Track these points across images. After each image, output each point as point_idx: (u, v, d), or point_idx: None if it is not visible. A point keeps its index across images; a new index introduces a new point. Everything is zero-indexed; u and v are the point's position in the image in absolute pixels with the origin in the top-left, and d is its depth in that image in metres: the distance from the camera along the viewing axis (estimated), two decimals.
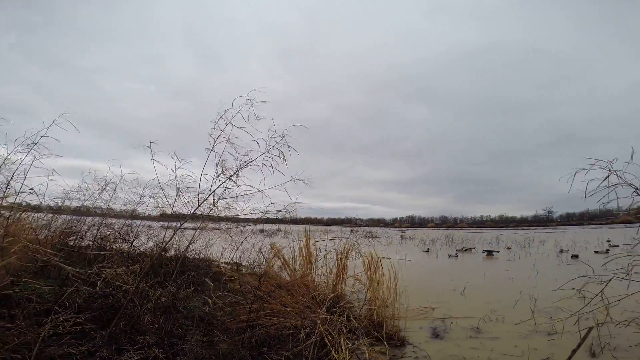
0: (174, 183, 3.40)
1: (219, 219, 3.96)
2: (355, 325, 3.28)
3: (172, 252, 5.44)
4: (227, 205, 3.55)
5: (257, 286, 3.62)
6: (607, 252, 12.47)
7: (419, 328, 4.38)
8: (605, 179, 2.58)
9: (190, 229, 3.53)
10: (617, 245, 15.74)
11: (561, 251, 14.27)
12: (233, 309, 3.70)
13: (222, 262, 6.89)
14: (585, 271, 3.12)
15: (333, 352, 2.76)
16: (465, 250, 16.34)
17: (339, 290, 5.01)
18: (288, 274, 5.53)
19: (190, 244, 4.87)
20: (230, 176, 3.33)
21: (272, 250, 5.95)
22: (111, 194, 5.28)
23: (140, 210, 5.53)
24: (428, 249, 17.26)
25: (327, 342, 2.89)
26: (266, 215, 3.67)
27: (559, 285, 3.27)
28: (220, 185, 3.34)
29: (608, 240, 19.37)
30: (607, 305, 2.60)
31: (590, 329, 2.45)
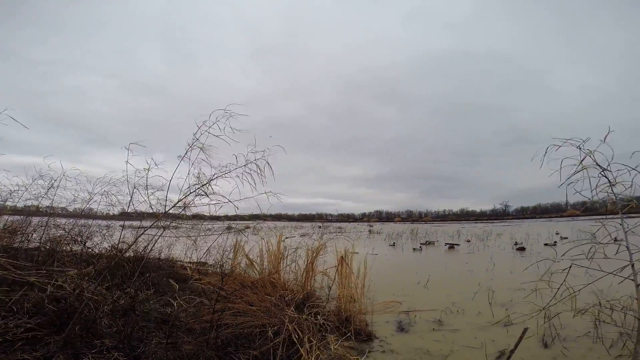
0: (141, 181, 3.20)
1: (185, 216, 3.80)
2: (323, 322, 3.29)
3: (130, 253, 5.11)
4: (194, 205, 3.42)
5: (220, 286, 3.50)
6: (555, 245, 13.64)
7: (385, 322, 4.49)
8: (579, 164, 2.62)
9: (152, 227, 3.32)
10: (567, 237, 17.19)
11: (516, 244, 15.41)
12: (197, 309, 3.57)
13: (186, 262, 6.61)
14: (537, 264, 3.37)
15: (302, 349, 2.75)
16: (429, 243, 17.12)
17: (309, 288, 5.01)
18: (256, 272, 5.44)
19: (149, 244, 4.60)
20: (203, 184, 3.21)
21: (238, 248, 5.81)
22: (57, 192, 4.82)
23: (96, 208, 5.12)
24: (394, 243, 17.86)
25: (295, 340, 2.88)
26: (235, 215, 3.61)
27: (513, 277, 3.51)
28: (191, 192, 3.21)
29: (557, 233, 21.19)
30: (572, 295, 2.77)
31: (525, 329, 2.59)
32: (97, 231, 5.53)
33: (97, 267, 3.90)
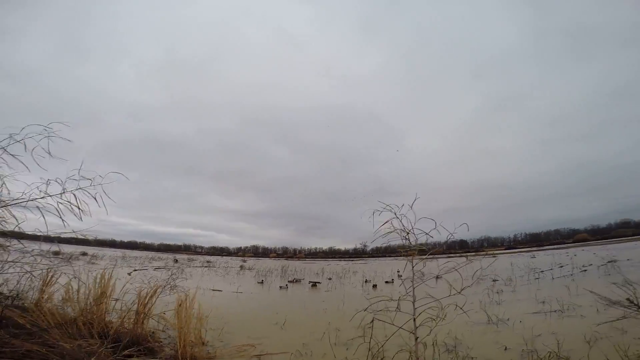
0: None
1: None
2: None
3: None
4: None
5: None
6: (392, 282, 16.15)
7: None
8: (388, 221, 3.47)
9: None
10: (401, 275, 20.54)
11: (366, 281, 17.49)
12: None
13: None
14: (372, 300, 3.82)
15: None
16: (296, 281, 17.54)
17: (139, 331, 4.18)
18: (77, 308, 4.25)
19: None
20: None
21: (49, 278, 4.46)
22: None
23: None
24: (262, 280, 17.51)
25: None
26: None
27: (358, 315, 3.90)
28: None
29: (398, 271, 25.15)
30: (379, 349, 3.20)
31: None
32: None
33: None
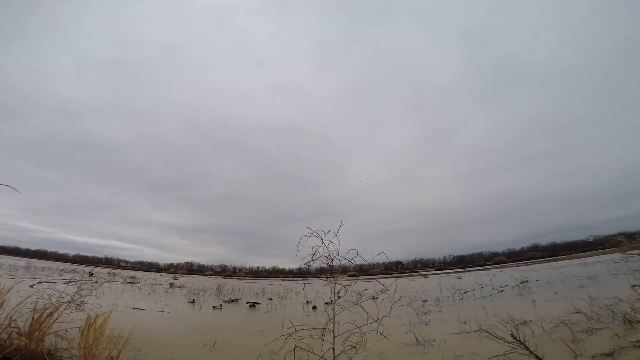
0: None
1: None
2: None
3: None
4: None
5: None
6: (332, 303, 16.14)
7: None
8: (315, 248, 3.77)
9: None
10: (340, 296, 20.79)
11: (307, 302, 17.23)
12: None
13: None
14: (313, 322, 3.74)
15: None
16: (232, 301, 16.55)
17: (35, 348, 3.50)
18: None
19: None
20: None
21: None
22: None
23: None
24: (194, 299, 16.18)
25: None
26: None
27: (282, 341, 3.84)
28: None
29: (337, 292, 25.34)
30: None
31: None
32: None
33: None
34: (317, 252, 3.87)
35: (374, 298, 7.50)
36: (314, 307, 14.60)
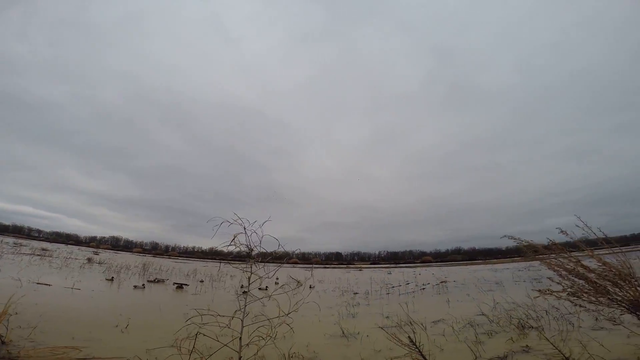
0: None
1: None
2: None
3: None
4: None
5: None
6: (266, 289, 16.01)
7: None
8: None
9: None
10: (278, 283, 20.66)
11: (241, 286, 16.84)
12: None
13: None
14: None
15: None
16: (158, 281, 15.44)
17: None
18: None
19: None
20: None
21: None
22: None
23: None
24: (113, 277, 14.75)
25: None
26: None
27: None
28: None
29: (277, 278, 25.11)
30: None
31: None
32: None
33: None
34: (236, 238, 3.98)
35: (311, 287, 7.54)
36: (245, 292, 14.35)
